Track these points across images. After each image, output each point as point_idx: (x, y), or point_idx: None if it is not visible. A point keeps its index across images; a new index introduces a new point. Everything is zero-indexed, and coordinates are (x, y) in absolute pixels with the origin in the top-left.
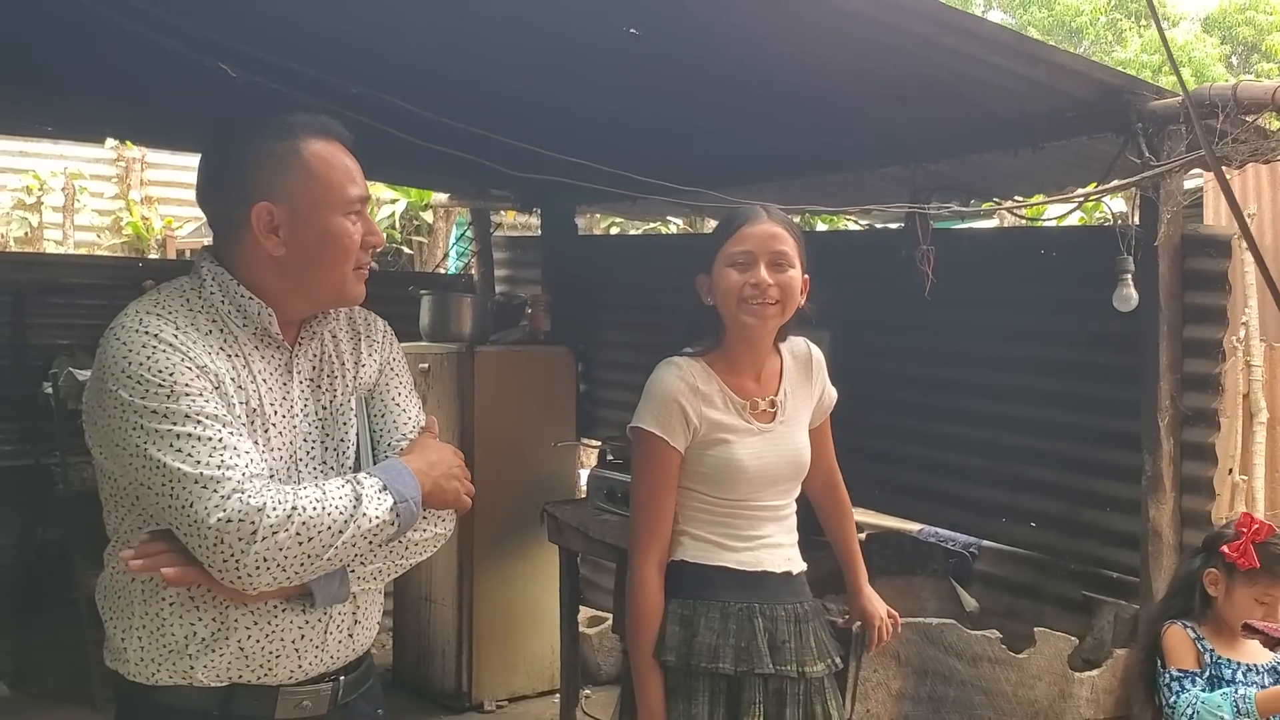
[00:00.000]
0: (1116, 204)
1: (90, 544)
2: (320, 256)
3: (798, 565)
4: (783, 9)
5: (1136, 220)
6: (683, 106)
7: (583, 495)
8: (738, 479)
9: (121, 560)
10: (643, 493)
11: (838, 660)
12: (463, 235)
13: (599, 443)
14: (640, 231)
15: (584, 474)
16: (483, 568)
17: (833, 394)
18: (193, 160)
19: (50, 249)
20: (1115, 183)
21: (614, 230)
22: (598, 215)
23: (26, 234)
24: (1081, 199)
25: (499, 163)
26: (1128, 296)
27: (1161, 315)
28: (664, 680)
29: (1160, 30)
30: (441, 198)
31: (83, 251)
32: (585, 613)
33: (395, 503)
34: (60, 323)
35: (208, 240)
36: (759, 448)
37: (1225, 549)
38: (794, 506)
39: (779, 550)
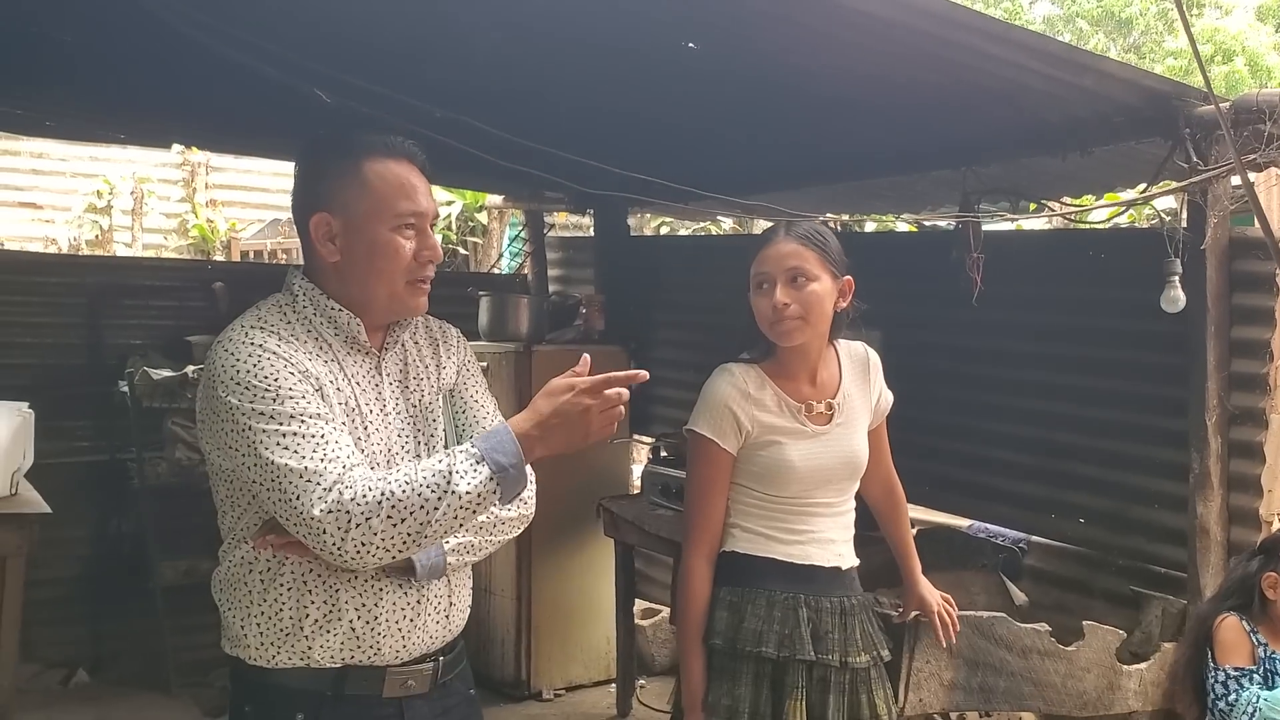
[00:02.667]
0: (1167, 204)
1: (164, 536)
2: (370, 266)
3: (849, 561)
4: (837, 25)
5: (1184, 223)
6: (737, 115)
7: (637, 490)
8: (788, 478)
9: (255, 546)
10: (696, 490)
11: (885, 653)
12: (517, 236)
13: (652, 439)
14: (690, 232)
15: (637, 470)
16: (541, 561)
17: (889, 397)
18: (255, 164)
19: (120, 251)
20: (1160, 188)
21: (664, 230)
22: (648, 215)
23: (97, 236)
24: (1129, 205)
25: (566, 177)
26: (1175, 298)
27: (1209, 316)
28: (710, 662)
29: (1189, 35)
30: (496, 200)
31: (150, 253)
32: (640, 605)
33: (493, 473)
34: (133, 323)
35: (270, 242)
36: (811, 449)
37: None
38: (852, 504)
39: (830, 546)
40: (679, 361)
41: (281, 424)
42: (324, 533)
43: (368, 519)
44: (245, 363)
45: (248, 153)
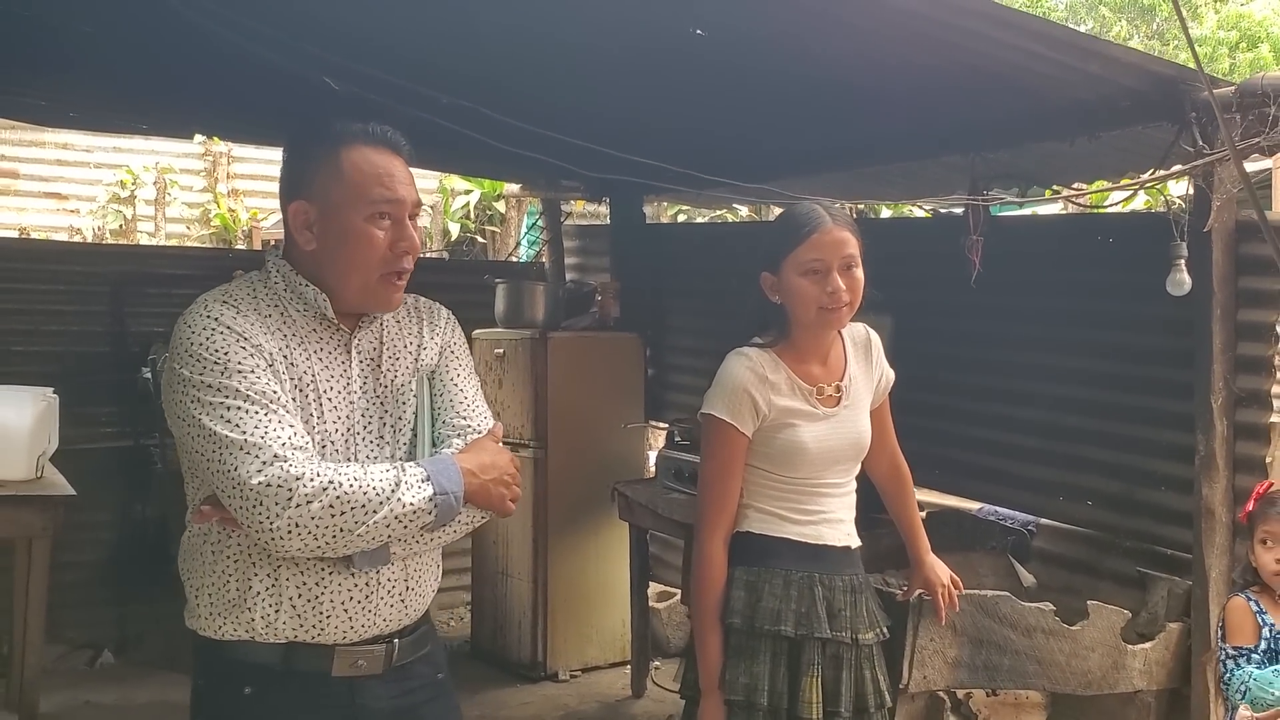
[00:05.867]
0: (1180, 188)
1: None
2: (344, 255)
3: (855, 541)
4: (848, 11)
5: (1191, 207)
6: (749, 101)
7: (651, 475)
8: (801, 460)
9: (193, 517)
10: (712, 472)
11: (885, 630)
12: (534, 225)
13: (666, 425)
14: (706, 219)
15: (652, 455)
16: (556, 544)
17: (890, 375)
18: (277, 154)
19: (143, 240)
20: (1166, 171)
21: (680, 218)
22: (664, 204)
23: (121, 226)
24: (1135, 187)
25: (576, 164)
26: (1181, 281)
27: (1215, 299)
28: (728, 641)
29: (1184, 25)
30: (513, 188)
31: (173, 243)
32: (654, 588)
33: (435, 494)
34: (156, 311)
35: None
36: (823, 431)
37: (1240, 517)
38: (854, 484)
39: (840, 526)
40: (693, 348)
41: (227, 397)
42: (260, 504)
43: (309, 501)
44: (199, 335)
45: (269, 143)
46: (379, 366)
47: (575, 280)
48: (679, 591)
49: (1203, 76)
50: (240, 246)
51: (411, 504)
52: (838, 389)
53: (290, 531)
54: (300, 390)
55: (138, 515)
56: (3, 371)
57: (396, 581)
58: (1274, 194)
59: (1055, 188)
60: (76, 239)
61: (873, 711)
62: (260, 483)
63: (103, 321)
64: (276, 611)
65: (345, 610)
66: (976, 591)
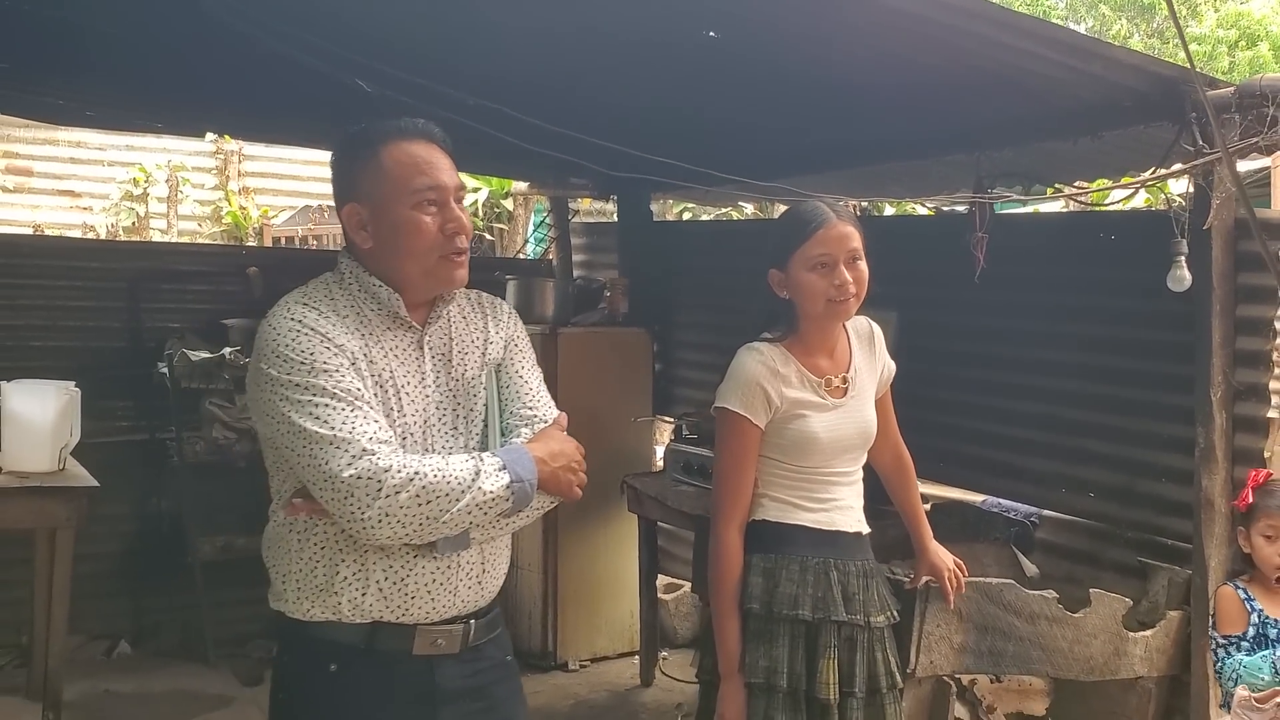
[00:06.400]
0: (1180, 186)
1: (202, 513)
2: (399, 246)
3: (865, 527)
4: (854, 14)
5: (1191, 205)
6: (756, 101)
7: (659, 468)
8: (813, 449)
9: (285, 512)
10: (727, 464)
11: (895, 614)
12: (542, 222)
13: (674, 419)
14: (712, 217)
15: (659, 449)
16: (567, 536)
17: (892, 366)
18: (287, 152)
19: (155, 238)
20: (1166, 170)
21: (686, 216)
22: (670, 201)
23: (134, 224)
24: (1137, 186)
25: (596, 163)
26: (1181, 277)
27: (1214, 295)
28: (746, 626)
29: (1179, 29)
30: (521, 186)
31: (185, 240)
32: (662, 580)
33: (511, 481)
34: (171, 307)
35: (301, 229)
36: (832, 421)
37: (1235, 503)
38: (861, 473)
39: (850, 512)
40: (700, 343)
41: (315, 395)
42: (351, 496)
43: (397, 492)
44: (285, 337)
45: (279, 141)
46: (449, 361)
47: (584, 276)
48: (686, 583)
49: (1196, 77)
50: (251, 243)
51: (491, 491)
52: (844, 380)
53: (380, 521)
54: (380, 387)
55: (154, 508)
56: (22, 366)
57: (474, 564)
58: (1273, 191)
59: (1057, 185)
60: (90, 236)
61: (885, 692)
62: (351, 475)
63: (119, 317)
64: (363, 594)
65: (428, 591)
66: (982, 579)
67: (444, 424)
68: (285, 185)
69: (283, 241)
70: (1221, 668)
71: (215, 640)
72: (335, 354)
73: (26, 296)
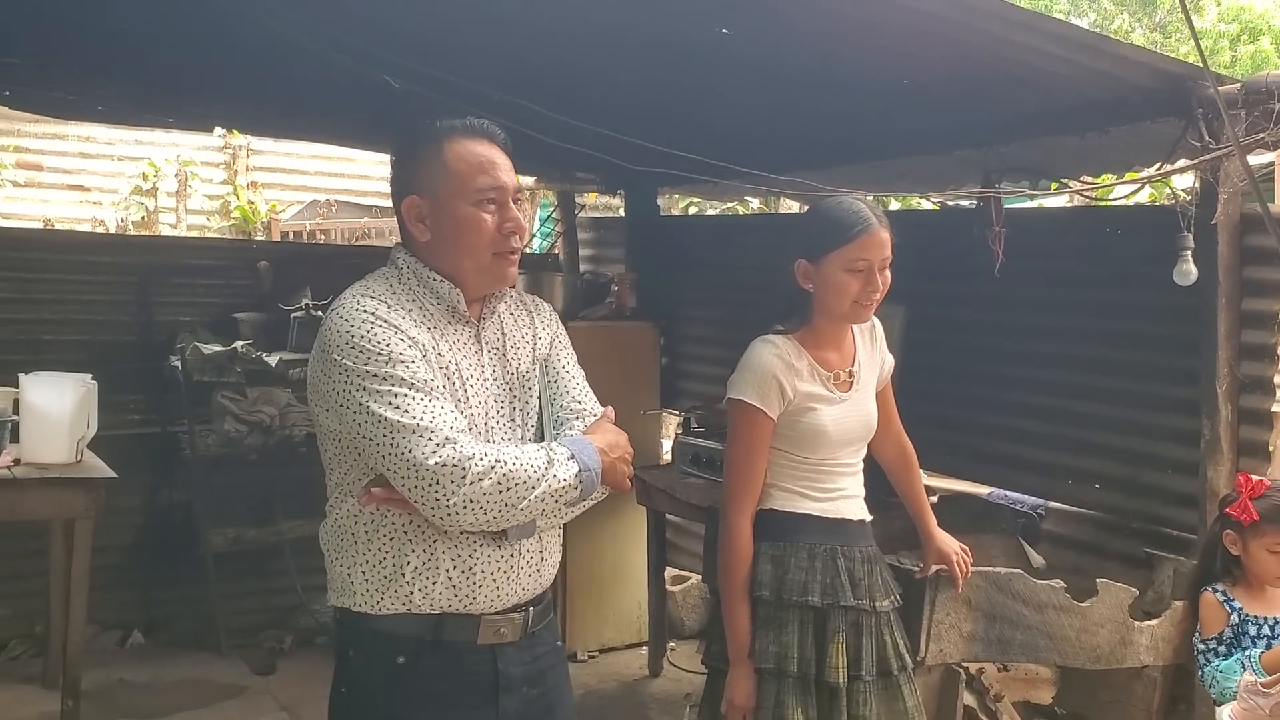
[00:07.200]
0: (1186, 181)
1: (214, 505)
2: (457, 242)
3: (867, 515)
4: (865, 11)
5: (1198, 200)
6: (768, 97)
7: (668, 461)
8: (821, 441)
9: (360, 501)
10: (739, 454)
11: (898, 598)
12: (549, 217)
13: (681, 412)
14: (717, 212)
15: (666, 442)
16: (575, 527)
17: (891, 360)
18: (295, 147)
19: (164, 232)
20: (1172, 166)
21: (693, 210)
22: (677, 196)
23: (143, 218)
24: (1144, 181)
25: (617, 157)
26: (1187, 272)
27: (1220, 289)
28: (756, 613)
29: (1190, 23)
30: (528, 181)
31: (194, 234)
32: (669, 572)
33: (580, 470)
34: (182, 301)
35: (309, 223)
36: (839, 414)
37: (1229, 510)
38: (862, 464)
39: (854, 500)
40: (706, 337)
41: (393, 385)
42: (437, 484)
43: (480, 479)
44: (359, 329)
45: (287, 136)
46: (504, 356)
47: (591, 271)
48: (694, 575)
49: (1209, 74)
50: (260, 238)
51: (564, 480)
52: (849, 374)
53: (464, 508)
54: (448, 378)
55: (166, 500)
56: (34, 359)
57: (533, 553)
58: (1277, 188)
59: (1064, 180)
60: (99, 230)
61: (896, 673)
62: (436, 463)
63: (130, 311)
64: (433, 583)
65: (494, 580)
66: (990, 569)
67: (502, 416)
68: (293, 180)
69: (291, 236)
70: (1204, 674)
71: (227, 630)
72: (409, 345)
73: (38, 290)
